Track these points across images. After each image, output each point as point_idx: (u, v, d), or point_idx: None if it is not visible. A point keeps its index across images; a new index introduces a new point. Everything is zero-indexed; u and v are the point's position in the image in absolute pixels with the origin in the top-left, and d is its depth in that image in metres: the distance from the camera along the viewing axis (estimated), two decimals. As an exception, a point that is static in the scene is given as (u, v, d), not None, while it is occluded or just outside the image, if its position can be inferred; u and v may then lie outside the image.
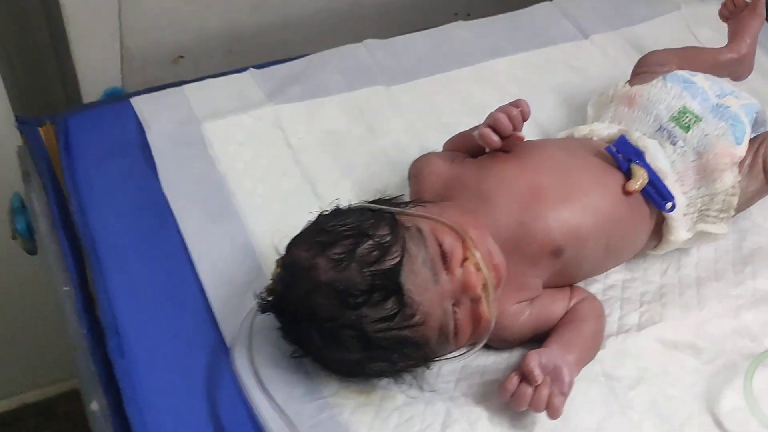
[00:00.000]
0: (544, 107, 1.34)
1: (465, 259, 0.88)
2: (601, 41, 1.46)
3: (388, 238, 0.86)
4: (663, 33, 1.46)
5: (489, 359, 1.01)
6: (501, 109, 0.99)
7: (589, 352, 0.97)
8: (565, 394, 0.89)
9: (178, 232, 1.06)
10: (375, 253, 0.85)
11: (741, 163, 1.10)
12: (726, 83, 1.16)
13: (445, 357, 0.93)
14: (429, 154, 1.12)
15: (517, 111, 0.98)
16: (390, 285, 0.83)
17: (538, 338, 1.00)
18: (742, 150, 1.08)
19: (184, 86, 1.25)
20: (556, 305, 1.00)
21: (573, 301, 1.02)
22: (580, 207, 0.99)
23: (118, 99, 1.24)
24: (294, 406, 0.91)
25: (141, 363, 0.93)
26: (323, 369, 0.93)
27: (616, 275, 1.13)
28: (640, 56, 1.29)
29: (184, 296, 1.01)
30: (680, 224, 1.08)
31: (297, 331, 0.90)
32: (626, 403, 0.97)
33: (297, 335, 0.91)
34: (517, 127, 0.98)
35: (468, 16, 1.51)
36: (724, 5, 1.34)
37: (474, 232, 0.91)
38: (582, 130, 1.14)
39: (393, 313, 0.84)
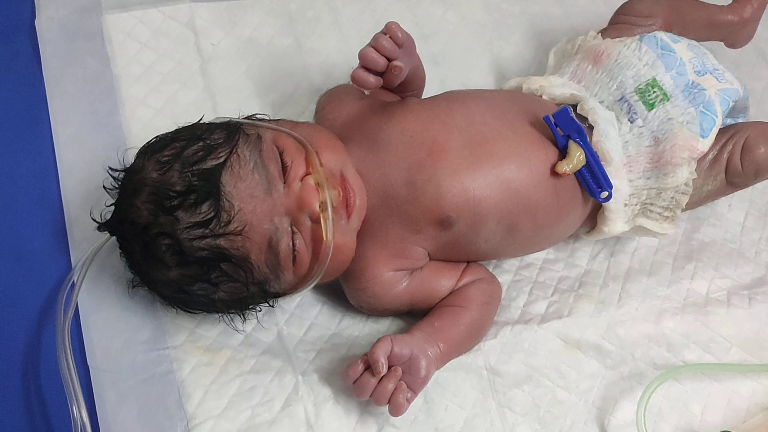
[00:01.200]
0: (509, 42, 1.17)
1: (307, 174, 0.78)
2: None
3: (220, 141, 0.77)
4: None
5: (363, 329, 0.92)
6: (371, 42, 0.83)
7: (462, 344, 0.87)
8: (415, 391, 0.80)
9: (51, 138, 0.95)
10: (200, 153, 0.76)
11: (701, 159, 0.94)
12: (710, 58, 0.97)
13: (278, 292, 0.83)
14: (341, 86, 0.98)
15: (387, 39, 0.82)
16: (207, 186, 0.74)
17: (417, 313, 0.90)
18: (705, 144, 0.92)
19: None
20: (440, 282, 0.89)
21: (463, 281, 0.90)
22: (485, 178, 0.85)
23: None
24: (130, 355, 0.84)
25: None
26: (161, 302, 0.85)
27: (537, 254, 1.01)
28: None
29: (44, 213, 0.91)
30: (618, 215, 0.94)
31: (127, 248, 0.81)
32: (505, 401, 0.87)
33: (128, 254, 0.82)
34: (391, 56, 0.82)
35: None
36: None
37: (329, 154, 0.81)
38: (533, 83, 0.98)
39: (208, 218, 0.74)
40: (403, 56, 0.84)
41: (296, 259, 0.79)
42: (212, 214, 0.74)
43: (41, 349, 0.83)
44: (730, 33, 1.07)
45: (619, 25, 1.04)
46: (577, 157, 0.87)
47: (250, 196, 0.75)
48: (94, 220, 0.83)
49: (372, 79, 0.82)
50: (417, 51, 0.91)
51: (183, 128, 0.82)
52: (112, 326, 0.85)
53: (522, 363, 0.90)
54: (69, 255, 0.88)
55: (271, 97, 1.05)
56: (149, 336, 0.85)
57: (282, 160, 0.78)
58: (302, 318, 0.91)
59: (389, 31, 0.83)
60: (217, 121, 0.83)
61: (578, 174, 0.89)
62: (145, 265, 0.79)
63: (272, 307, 0.86)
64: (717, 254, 1.02)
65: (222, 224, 0.74)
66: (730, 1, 1.08)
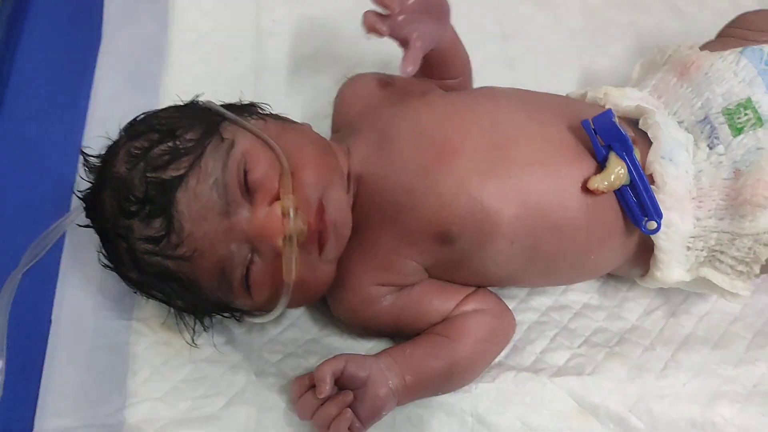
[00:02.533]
0: (605, 53, 1.01)
1: (276, 199, 0.67)
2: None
3: (190, 145, 0.68)
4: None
5: (345, 342, 0.81)
6: None
7: (435, 383, 0.73)
8: (364, 424, 0.68)
9: (90, 91, 0.95)
10: (166, 157, 0.67)
11: None
12: None
13: (243, 313, 0.75)
14: (367, 74, 0.88)
15: None
16: (161, 200, 0.66)
17: (403, 336, 0.77)
18: None
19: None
20: (432, 303, 0.76)
21: (463, 308, 0.76)
22: (499, 188, 0.71)
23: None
24: (95, 319, 0.80)
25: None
26: None
27: (577, 294, 0.85)
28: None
29: (61, 165, 0.90)
30: (674, 259, 0.75)
31: (97, 231, 0.75)
32: (486, 459, 0.73)
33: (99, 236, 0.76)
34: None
35: None
36: None
37: (310, 172, 0.69)
38: (599, 91, 0.82)
39: (159, 236, 0.67)
40: (426, 21, 0.74)
41: (251, 289, 0.69)
42: (163, 232, 0.66)
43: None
44: None
45: (726, 38, 0.86)
46: (616, 173, 0.71)
47: (203, 219, 0.66)
48: (77, 196, 0.77)
49: (384, 28, 0.74)
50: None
51: (168, 112, 0.75)
52: (87, 287, 0.81)
53: (518, 418, 0.74)
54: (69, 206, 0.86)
55: (320, 80, 0.97)
56: (119, 304, 0.81)
57: (246, 179, 0.67)
58: (282, 315, 0.82)
59: None
60: (210, 105, 0.75)
61: (618, 195, 0.73)
62: (111, 258, 0.73)
63: (238, 321, 0.78)
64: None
65: (171, 246, 0.66)
66: None
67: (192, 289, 0.69)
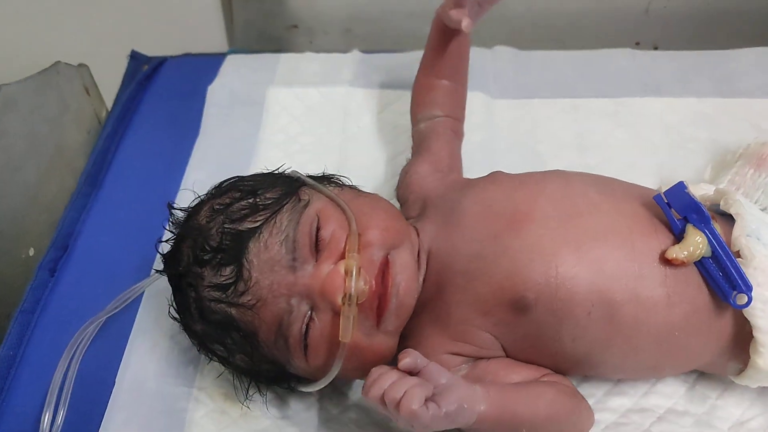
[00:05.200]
0: (686, 164, 1.00)
1: (342, 258, 0.68)
2: (825, 107, 1.04)
3: (269, 202, 0.71)
4: None
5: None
6: None
7: (520, 407, 0.67)
8: (437, 406, 0.61)
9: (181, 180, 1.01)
10: (245, 212, 0.70)
11: None
12: None
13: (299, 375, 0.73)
14: (421, 163, 0.89)
15: None
16: (234, 249, 0.68)
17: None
18: None
19: (282, 54, 1.19)
20: (511, 377, 0.72)
21: (544, 380, 0.72)
22: (574, 256, 0.69)
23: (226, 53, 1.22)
24: (158, 384, 0.80)
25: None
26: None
27: (660, 398, 0.78)
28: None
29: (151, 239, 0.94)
30: None
31: (172, 287, 0.76)
32: None
33: (173, 292, 0.77)
34: None
35: (655, 50, 1.20)
36: None
37: (377, 234, 0.69)
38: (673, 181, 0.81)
39: (228, 283, 0.68)
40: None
41: (308, 348, 0.68)
42: (232, 279, 0.68)
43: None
44: None
45: None
46: (695, 242, 0.68)
47: (270, 270, 0.67)
48: (160, 253, 0.81)
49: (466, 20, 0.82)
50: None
51: (253, 176, 0.79)
52: (153, 353, 0.82)
53: None
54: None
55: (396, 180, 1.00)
56: (184, 371, 0.81)
57: (317, 236, 0.69)
58: (343, 395, 0.79)
59: None
60: (293, 174, 0.79)
61: (701, 267, 0.69)
62: (178, 307, 0.75)
63: (292, 390, 0.76)
64: None
65: (238, 293, 0.68)
66: None
67: (251, 340, 0.69)
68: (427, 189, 0.84)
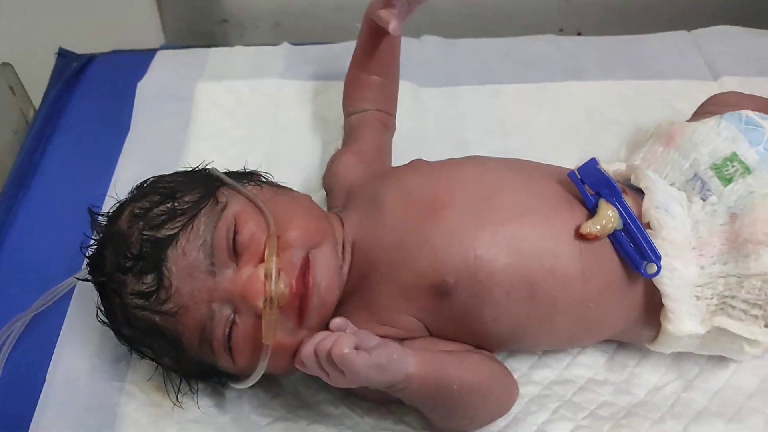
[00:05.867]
0: (606, 145, 1.03)
1: (261, 261, 0.68)
2: (734, 86, 1.08)
3: (186, 206, 0.71)
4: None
5: (338, 409, 0.78)
6: None
7: (448, 368, 0.70)
8: (367, 355, 0.64)
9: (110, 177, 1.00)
10: (163, 217, 0.70)
11: None
12: None
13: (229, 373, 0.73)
14: (346, 153, 0.91)
15: None
16: (154, 257, 0.68)
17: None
18: None
19: (212, 49, 1.19)
20: (436, 348, 0.74)
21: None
22: (491, 237, 0.72)
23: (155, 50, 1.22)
24: (90, 380, 0.80)
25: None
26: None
27: (582, 369, 0.82)
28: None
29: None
30: (684, 308, 0.74)
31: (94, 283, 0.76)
32: None
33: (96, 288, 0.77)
34: None
35: (578, 35, 1.24)
36: None
37: (297, 234, 0.71)
38: (587, 162, 0.85)
39: (150, 291, 0.68)
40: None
41: (233, 351, 0.69)
42: (154, 288, 0.68)
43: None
44: None
45: (702, 114, 0.90)
46: (606, 216, 0.72)
47: (189, 276, 0.68)
48: (85, 255, 0.80)
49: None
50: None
51: (173, 176, 0.78)
52: (85, 348, 0.82)
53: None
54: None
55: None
56: (115, 366, 0.81)
57: (235, 240, 0.69)
58: (275, 381, 0.80)
59: None
60: (213, 171, 0.79)
61: (613, 240, 0.73)
62: (107, 313, 0.75)
63: (222, 386, 0.77)
64: None
65: (160, 301, 0.68)
66: None
67: (176, 346, 0.70)
68: (351, 179, 0.86)
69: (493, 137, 1.05)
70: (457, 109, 1.10)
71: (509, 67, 1.15)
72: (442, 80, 1.14)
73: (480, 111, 1.09)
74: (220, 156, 1.03)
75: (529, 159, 0.86)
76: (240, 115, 1.09)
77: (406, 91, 1.08)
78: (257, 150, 1.04)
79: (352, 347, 0.63)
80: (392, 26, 0.86)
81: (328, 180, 0.90)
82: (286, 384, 0.80)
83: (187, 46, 1.23)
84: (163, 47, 1.28)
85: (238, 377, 0.73)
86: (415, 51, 1.17)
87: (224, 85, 1.12)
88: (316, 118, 1.09)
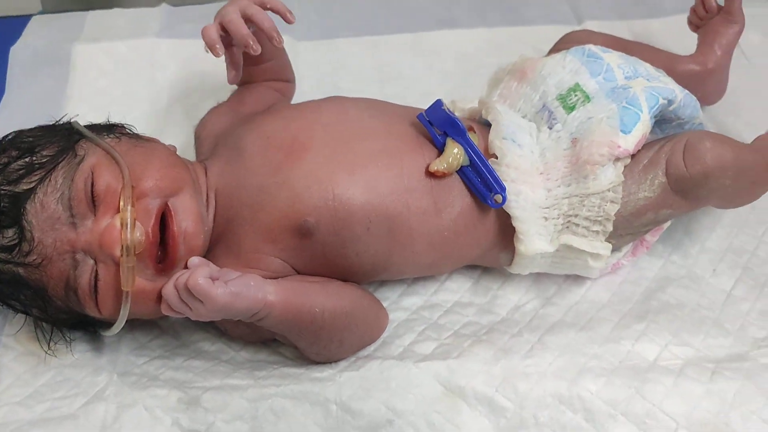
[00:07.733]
0: (475, 89, 1.08)
1: (119, 211, 0.70)
2: (596, 29, 1.13)
3: (44, 160, 0.72)
4: (679, 32, 1.10)
5: (215, 345, 0.81)
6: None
7: (311, 294, 0.74)
8: (224, 284, 0.67)
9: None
10: (21, 172, 0.71)
11: (634, 162, 0.79)
12: (647, 67, 0.85)
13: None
14: (221, 104, 0.93)
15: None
16: (13, 212, 0.69)
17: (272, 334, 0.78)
18: (628, 142, 0.78)
19: (89, 12, 1.19)
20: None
21: None
22: (348, 178, 0.76)
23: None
24: (-34, 336, 0.80)
25: None
26: None
27: (448, 294, 0.87)
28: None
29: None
30: (534, 229, 0.79)
31: None
32: (353, 447, 0.71)
33: None
34: (263, 25, 0.82)
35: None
36: (692, 10, 1.02)
37: (150, 182, 0.72)
38: (448, 105, 0.88)
39: (12, 244, 0.70)
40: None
41: (98, 299, 0.71)
42: (16, 241, 0.69)
43: None
44: (697, 86, 0.90)
45: (555, 51, 0.94)
46: (453, 154, 0.76)
47: (51, 228, 0.69)
48: None
49: (217, 45, 0.80)
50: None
51: (34, 131, 0.78)
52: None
53: (383, 404, 0.74)
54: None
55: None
56: (-7, 321, 0.81)
57: (93, 191, 0.71)
58: (153, 323, 0.82)
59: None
60: (74, 124, 0.79)
61: (462, 176, 0.77)
62: None
63: (94, 333, 0.79)
64: (682, 319, 0.82)
65: (23, 253, 0.69)
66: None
67: (43, 296, 0.71)
68: (219, 127, 0.88)
69: (371, 86, 1.09)
70: (336, 62, 1.13)
71: (386, 19, 1.19)
72: (320, 33, 1.16)
73: (357, 62, 1.13)
74: (100, 114, 1.03)
75: (404, 105, 0.90)
76: (118, 76, 1.10)
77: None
78: (136, 109, 1.05)
79: (207, 277, 0.66)
80: (231, 77, 0.86)
81: (198, 129, 0.91)
82: (165, 326, 0.83)
83: (66, 11, 1.22)
84: (40, 13, 1.26)
85: (109, 325, 0.75)
86: (293, 5, 1.18)
87: (102, 46, 1.12)
88: (195, 76, 1.10)
